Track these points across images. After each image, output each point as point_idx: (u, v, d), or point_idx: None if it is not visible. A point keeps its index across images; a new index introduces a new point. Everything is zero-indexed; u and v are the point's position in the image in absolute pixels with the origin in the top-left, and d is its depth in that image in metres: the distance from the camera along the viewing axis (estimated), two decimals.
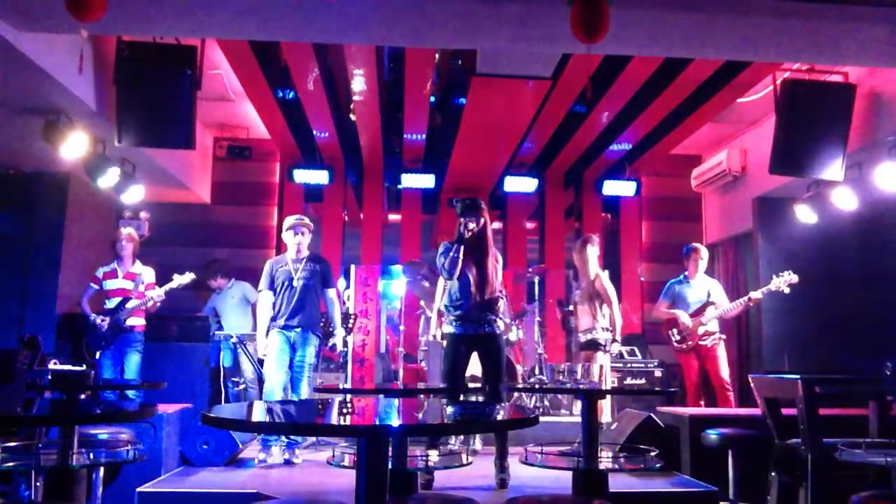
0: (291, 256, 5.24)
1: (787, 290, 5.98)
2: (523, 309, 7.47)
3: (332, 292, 5.36)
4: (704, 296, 6.27)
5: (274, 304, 5.18)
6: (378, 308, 8.29)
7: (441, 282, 5.87)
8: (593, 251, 5.87)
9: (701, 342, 6.15)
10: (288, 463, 4.96)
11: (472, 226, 4.40)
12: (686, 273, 6.41)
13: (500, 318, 4.58)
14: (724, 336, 6.27)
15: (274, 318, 5.17)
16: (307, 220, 5.32)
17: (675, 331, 6.26)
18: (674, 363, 6.99)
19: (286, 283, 5.16)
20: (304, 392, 5.07)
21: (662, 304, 6.43)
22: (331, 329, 5.43)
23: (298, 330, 5.11)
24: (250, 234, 8.40)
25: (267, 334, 5.15)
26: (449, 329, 4.55)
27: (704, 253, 6.42)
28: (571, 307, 6.14)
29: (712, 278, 6.59)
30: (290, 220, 5.32)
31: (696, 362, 6.21)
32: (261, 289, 5.28)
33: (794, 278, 5.97)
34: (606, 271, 5.97)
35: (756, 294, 6.10)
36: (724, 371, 6.12)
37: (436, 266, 4.64)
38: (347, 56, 5.68)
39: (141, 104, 5.20)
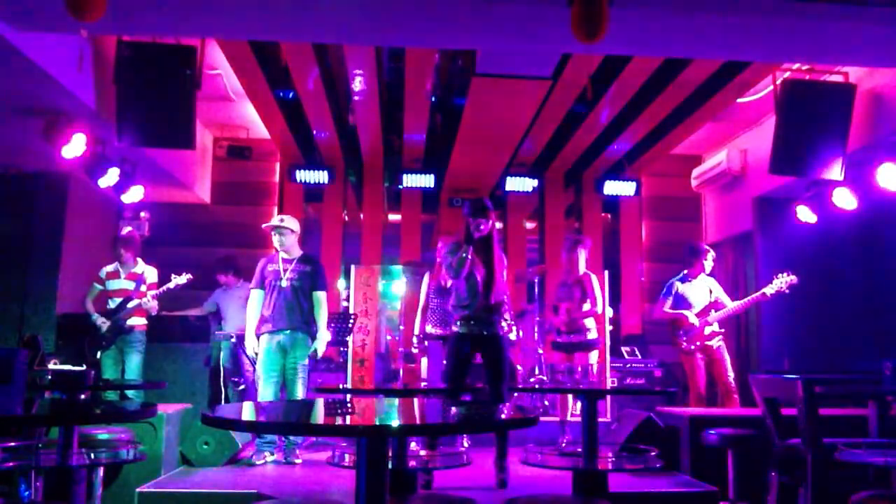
0: (283, 256, 5.20)
1: (786, 291, 5.81)
2: (523, 309, 7.47)
3: (320, 294, 5.16)
4: (707, 295, 6.11)
5: (263, 304, 5.11)
6: (378, 308, 8.28)
7: (425, 281, 5.92)
8: (583, 253, 5.99)
9: (707, 342, 5.97)
10: (288, 463, 4.97)
11: (482, 227, 4.38)
12: (687, 272, 6.20)
13: (504, 320, 4.59)
14: (723, 330, 6.09)
15: (263, 321, 5.11)
16: (287, 222, 5.18)
17: (682, 331, 6.04)
18: (674, 363, 6.98)
19: (274, 283, 5.10)
20: (300, 394, 5.05)
21: (664, 303, 6.21)
22: (313, 332, 5.19)
23: (288, 332, 5.04)
24: (250, 234, 8.36)
25: (258, 336, 5.11)
26: (454, 328, 4.55)
27: (711, 254, 6.23)
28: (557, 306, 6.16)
29: (710, 277, 6.36)
30: (271, 222, 5.27)
31: (703, 364, 6.01)
32: (251, 287, 5.24)
33: (794, 279, 5.82)
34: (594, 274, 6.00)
35: (769, 290, 5.85)
36: (729, 373, 5.95)
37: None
38: (347, 56, 5.68)
39: (141, 104, 5.20)
